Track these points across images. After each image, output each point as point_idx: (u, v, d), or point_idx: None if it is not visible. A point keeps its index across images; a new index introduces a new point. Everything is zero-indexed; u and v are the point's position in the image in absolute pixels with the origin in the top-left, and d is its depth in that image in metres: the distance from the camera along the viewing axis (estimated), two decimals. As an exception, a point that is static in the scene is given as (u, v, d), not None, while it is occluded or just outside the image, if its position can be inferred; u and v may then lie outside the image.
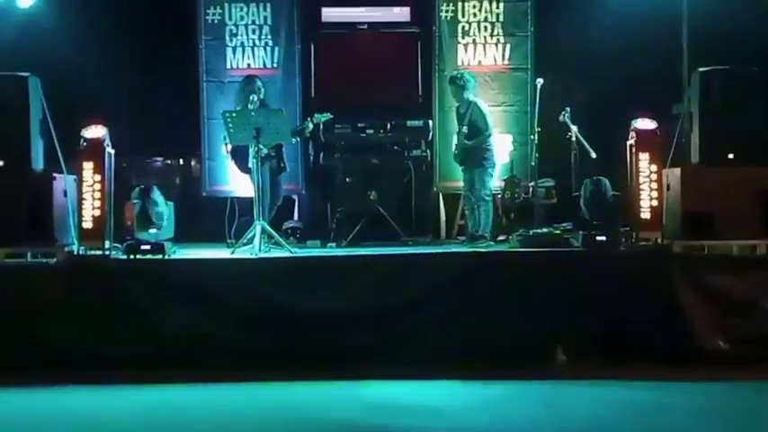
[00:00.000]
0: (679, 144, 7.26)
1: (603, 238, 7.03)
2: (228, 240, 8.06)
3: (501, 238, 8.59)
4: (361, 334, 6.59)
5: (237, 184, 9.16)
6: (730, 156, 7.07)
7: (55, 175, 6.90)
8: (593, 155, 8.12)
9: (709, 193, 6.90)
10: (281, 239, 7.70)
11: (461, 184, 8.86)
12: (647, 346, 6.56)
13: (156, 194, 7.86)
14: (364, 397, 5.86)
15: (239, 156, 8.15)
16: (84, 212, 6.87)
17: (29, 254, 6.68)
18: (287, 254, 7.43)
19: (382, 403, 5.69)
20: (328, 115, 8.61)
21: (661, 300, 6.65)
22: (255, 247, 7.27)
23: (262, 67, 9.84)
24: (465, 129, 8.39)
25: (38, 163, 7.02)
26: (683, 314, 6.59)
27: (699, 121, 7.10)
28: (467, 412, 5.51)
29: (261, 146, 7.63)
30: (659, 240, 6.95)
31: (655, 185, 7.01)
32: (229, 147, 8.26)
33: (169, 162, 10.30)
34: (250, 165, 7.74)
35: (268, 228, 7.61)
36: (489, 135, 8.43)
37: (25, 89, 6.90)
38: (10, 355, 6.37)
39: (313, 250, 8.18)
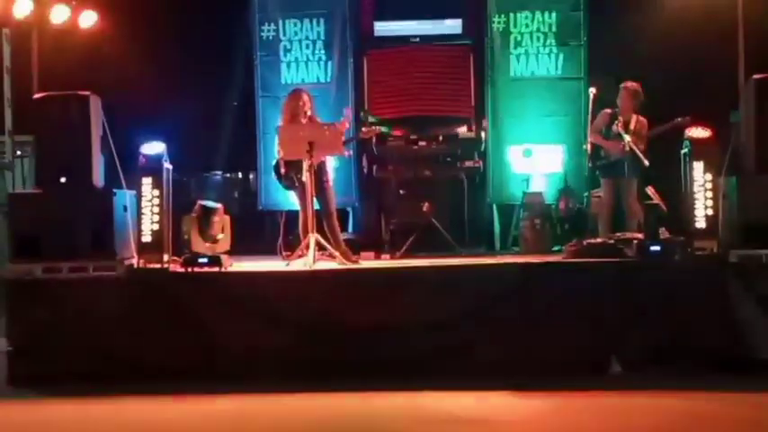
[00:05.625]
0: (736, 152, 7.16)
1: (658, 248, 6.96)
2: (283, 253, 8.15)
3: (555, 248, 8.56)
4: (415, 345, 6.60)
5: (293, 197, 9.27)
6: (786, 163, 6.94)
7: (115, 190, 7.08)
8: (647, 163, 8.05)
9: (766, 202, 6.80)
10: (334, 251, 7.77)
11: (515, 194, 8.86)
12: (704, 357, 6.48)
13: (214, 208, 7.99)
14: (419, 408, 5.87)
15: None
16: (143, 227, 7.02)
17: (91, 267, 6.86)
18: (341, 266, 7.50)
19: (436, 415, 5.70)
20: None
21: (718, 310, 6.55)
22: (309, 259, 7.36)
23: (315, 81, 9.99)
24: None
25: (99, 179, 7.20)
26: (741, 324, 6.49)
27: (754, 128, 7.00)
28: (521, 425, 5.50)
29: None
30: (715, 250, 6.87)
31: (710, 194, 6.93)
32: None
33: (228, 176, 10.50)
34: (304, 178, 7.75)
35: (321, 240, 7.69)
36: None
37: (86, 108, 7.08)
38: (73, 367, 6.55)
39: (367, 262, 8.24)
